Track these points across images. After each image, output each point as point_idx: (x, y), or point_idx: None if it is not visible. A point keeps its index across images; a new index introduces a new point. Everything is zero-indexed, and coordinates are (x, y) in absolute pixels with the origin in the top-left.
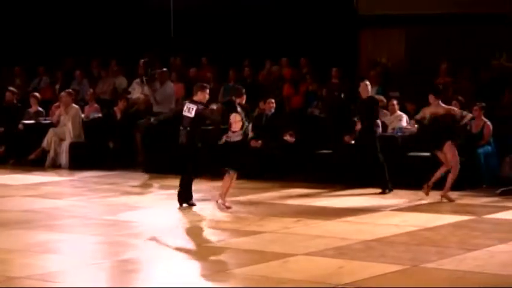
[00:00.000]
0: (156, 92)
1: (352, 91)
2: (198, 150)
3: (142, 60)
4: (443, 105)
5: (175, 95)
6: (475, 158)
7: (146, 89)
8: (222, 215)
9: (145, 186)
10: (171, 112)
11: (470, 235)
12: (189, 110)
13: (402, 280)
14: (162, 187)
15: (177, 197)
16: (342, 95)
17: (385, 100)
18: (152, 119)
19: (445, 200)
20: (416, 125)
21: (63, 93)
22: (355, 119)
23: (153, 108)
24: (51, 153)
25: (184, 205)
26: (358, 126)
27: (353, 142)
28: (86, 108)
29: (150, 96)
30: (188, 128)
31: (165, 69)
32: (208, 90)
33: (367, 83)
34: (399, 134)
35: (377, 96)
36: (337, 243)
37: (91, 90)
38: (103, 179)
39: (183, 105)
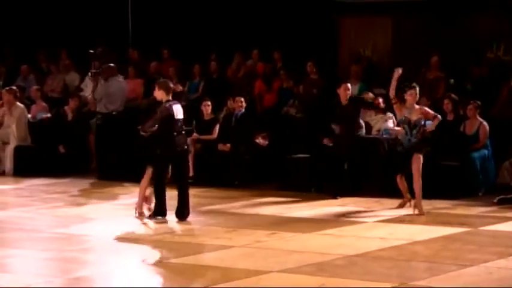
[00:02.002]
0: (95, 89)
1: (332, 88)
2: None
3: (90, 51)
4: (416, 106)
5: (133, 93)
6: (470, 162)
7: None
8: (186, 228)
9: (99, 195)
10: (158, 119)
11: (465, 249)
12: (179, 112)
13: None
14: (118, 196)
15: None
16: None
17: (373, 96)
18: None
19: (416, 212)
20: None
21: (4, 91)
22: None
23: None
24: None
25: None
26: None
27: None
28: (33, 107)
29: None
30: (183, 132)
31: (112, 64)
32: None
33: (348, 86)
34: (385, 136)
35: (366, 95)
36: (316, 258)
37: (35, 87)
38: (52, 187)
39: (168, 109)
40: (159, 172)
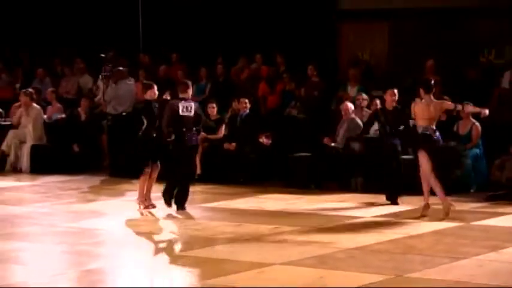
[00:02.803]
0: (106, 91)
1: (332, 90)
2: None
3: (101, 55)
4: (434, 100)
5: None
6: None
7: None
8: (192, 222)
9: (111, 191)
10: (167, 116)
11: (458, 243)
12: (188, 109)
13: None
14: (127, 193)
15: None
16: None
17: (368, 99)
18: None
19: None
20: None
21: (21, 93)
22: (400, 145)
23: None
24: (11, 157)
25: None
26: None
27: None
28: (49, 108)
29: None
30: (194, 129)
31: (121, 68)
32: None
33: (395, 91)
34: None
35: (360, 96)
36: (316, 251)
37: (50, 89)
38: (67, 184)
39: (172, 106)
40: (172, 168)
